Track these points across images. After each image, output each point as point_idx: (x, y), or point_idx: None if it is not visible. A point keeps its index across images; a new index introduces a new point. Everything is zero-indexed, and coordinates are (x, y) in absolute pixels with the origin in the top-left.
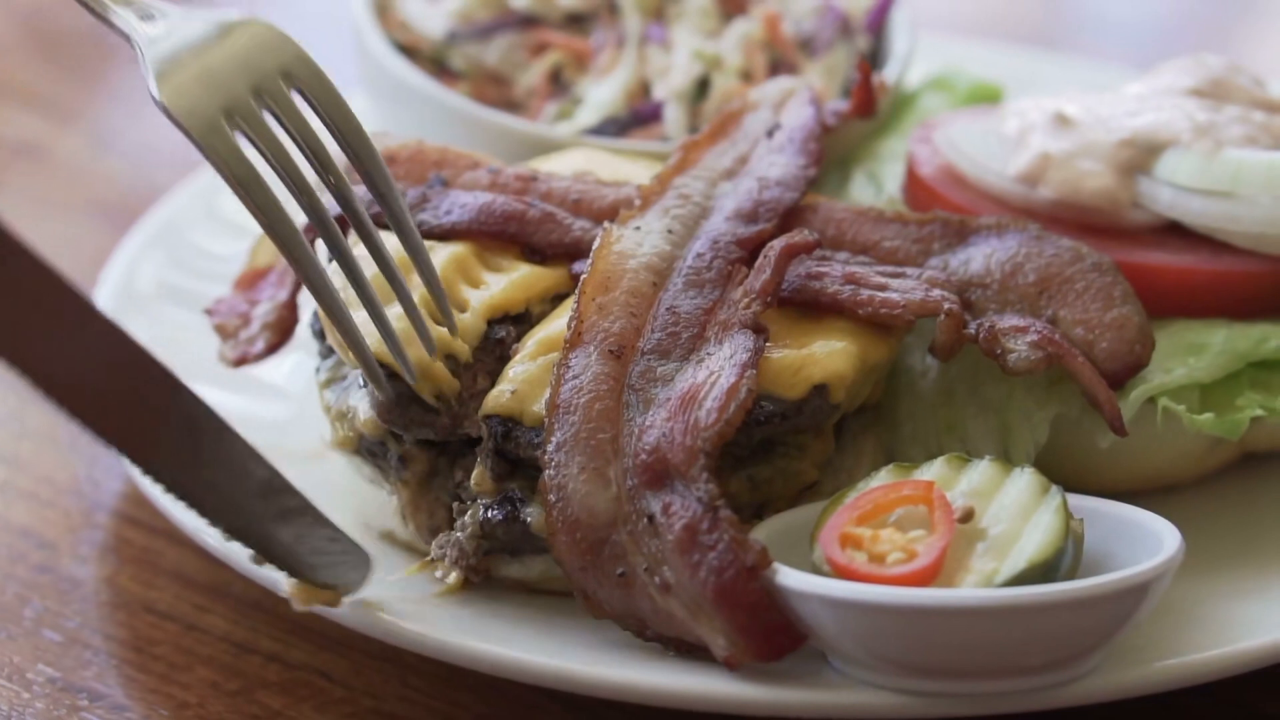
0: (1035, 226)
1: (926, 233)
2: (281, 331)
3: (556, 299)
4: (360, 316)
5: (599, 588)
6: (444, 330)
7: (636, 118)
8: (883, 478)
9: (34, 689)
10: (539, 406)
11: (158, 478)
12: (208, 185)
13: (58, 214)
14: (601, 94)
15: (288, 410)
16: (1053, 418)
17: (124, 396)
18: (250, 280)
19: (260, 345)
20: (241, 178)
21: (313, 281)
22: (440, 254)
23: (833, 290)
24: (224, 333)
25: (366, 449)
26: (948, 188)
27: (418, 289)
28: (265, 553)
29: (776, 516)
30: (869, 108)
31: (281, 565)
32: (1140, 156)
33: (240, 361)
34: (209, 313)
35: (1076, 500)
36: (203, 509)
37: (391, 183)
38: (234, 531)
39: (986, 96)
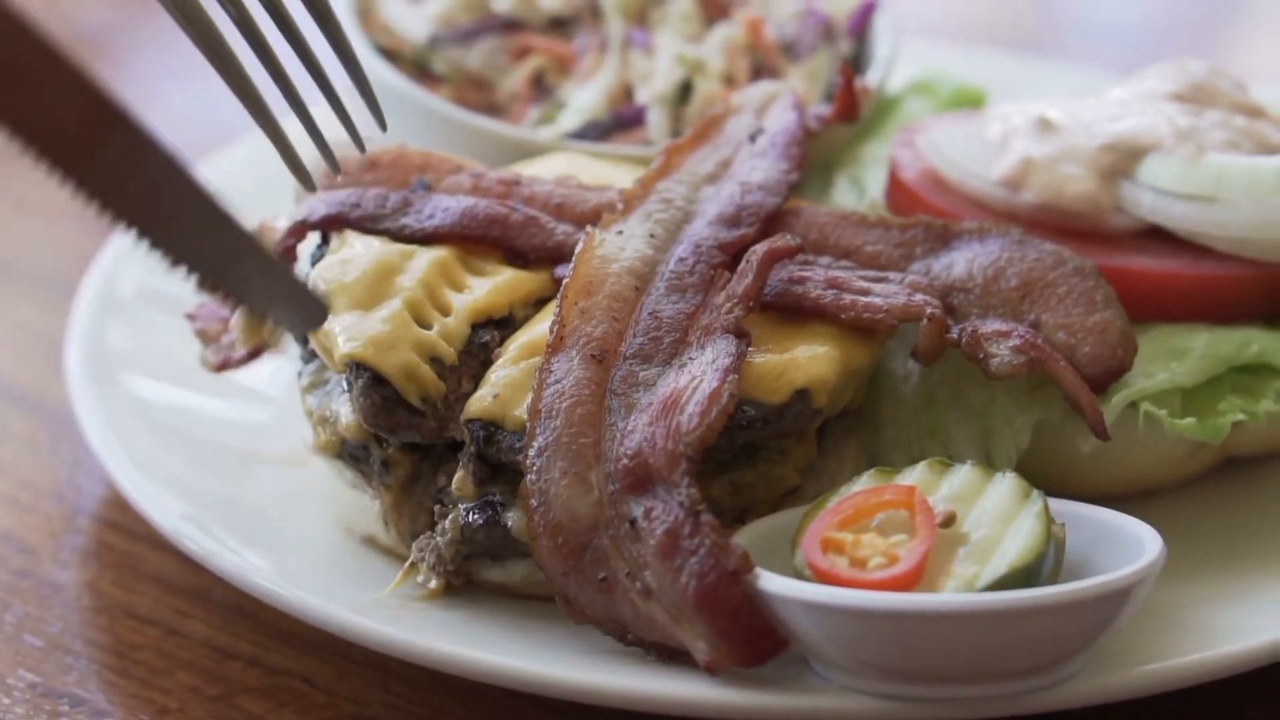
0: (1017, 231)
1: (909, 237)
2: None
3: (539, 303)
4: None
5: (580, 592)
6: (430, 335)
7: (619, 122)
8: (864, 482)
9: (14, 694)
10: (521, 411)
11: (91, 195)
12: None
13: (40, 216)
14: (584, 98)
15: (269, 415)
16: (1035, 422)
17: (52, 100)
18: None
19: (242, 350)
20: None
21: (238, 84)
22: (423, 258)
23: (815, 295)
24: (205, 338)
25: (349, 453)
26: (930, 192)
27: (404, 292)
28: (214, 282)
29: (758, 521)
30: (851, 112)
31: (230, 296)
32: (1122, 161)
33: (222, 366)
34: (191, 317)
35: (1058, 505)
36: (144, 233)
37: None
38: (179, 258)
39: (969, 101)
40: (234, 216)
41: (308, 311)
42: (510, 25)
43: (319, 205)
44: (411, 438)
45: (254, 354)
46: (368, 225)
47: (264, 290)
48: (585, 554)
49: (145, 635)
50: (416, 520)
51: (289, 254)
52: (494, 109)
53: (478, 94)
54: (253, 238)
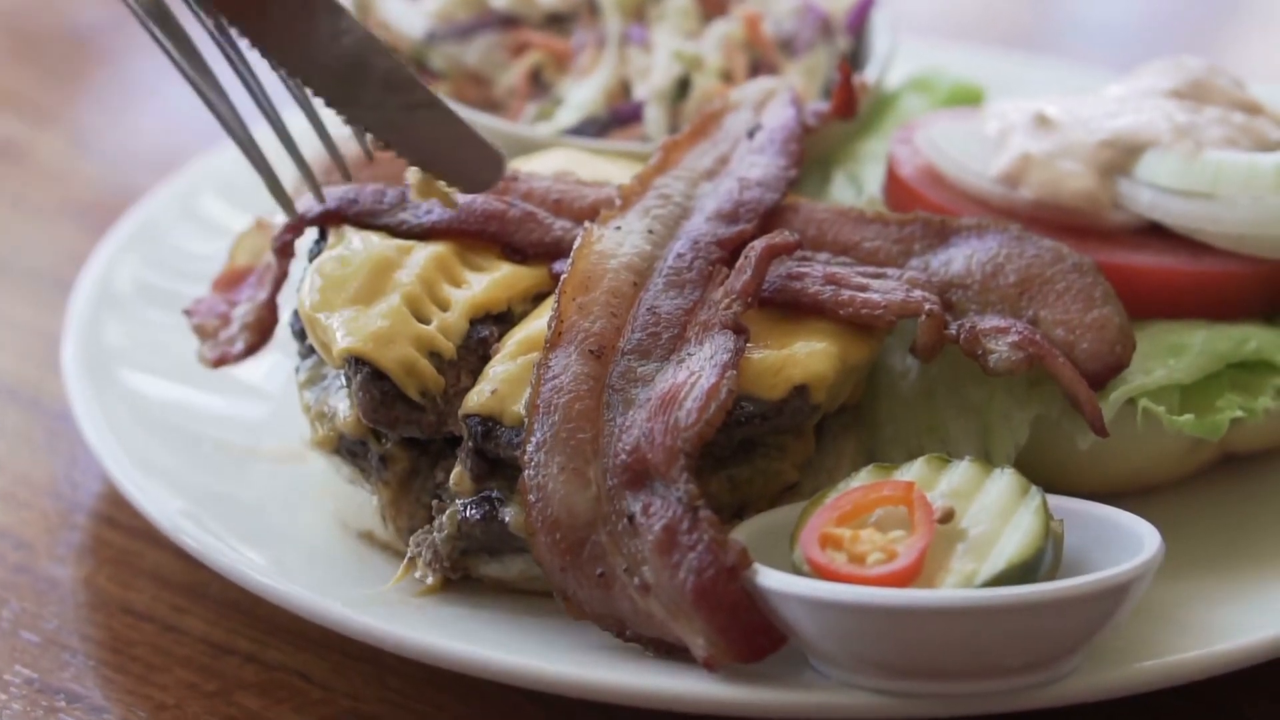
0: (1016, 227)
1: (907, 233)
2: (261, 332)
3: (538, 298)
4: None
5: (579, 588)
6: (429, 330)
7: (617, 118)
8: (863, 478)
9: (11, 690)
10: (519, 406)
11: (267, 50)
12: (186, 186)
13: (36, 215)
14: (582, 94)
15: (266, 411)
16: (1033, 418)
17: None
18: (229, 281)
19: (240, 346)
20: (147, 10)
21: (214, 107)
22: (421, 253)
23: (813, 291)
24: (203, 333)
25: (347, 449)
26: (928, 188)
27: (402, 287)
28: (389, 141)
29: (756, 517)
30: (850, 108)
31: (405, 154)
32: (1121, 157)
33: (220, 362)
34: (188, 313)
35: (1056, 501)
36: (320, 89)
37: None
38: (355, 115)
39: (967, 98)
40: (410, 71)
41: (484, 168)
42: (508, 21)
43: (315, 204)
44: (411, 432)
45: (251, 349)
46: (365, 221)
47: (438, 147)
48: (583, 550)
49: (142, 631)
50: (414, 516)
51: (285, 250)
52: (492, 105)
53: (476, 90)
54: (429, 91)
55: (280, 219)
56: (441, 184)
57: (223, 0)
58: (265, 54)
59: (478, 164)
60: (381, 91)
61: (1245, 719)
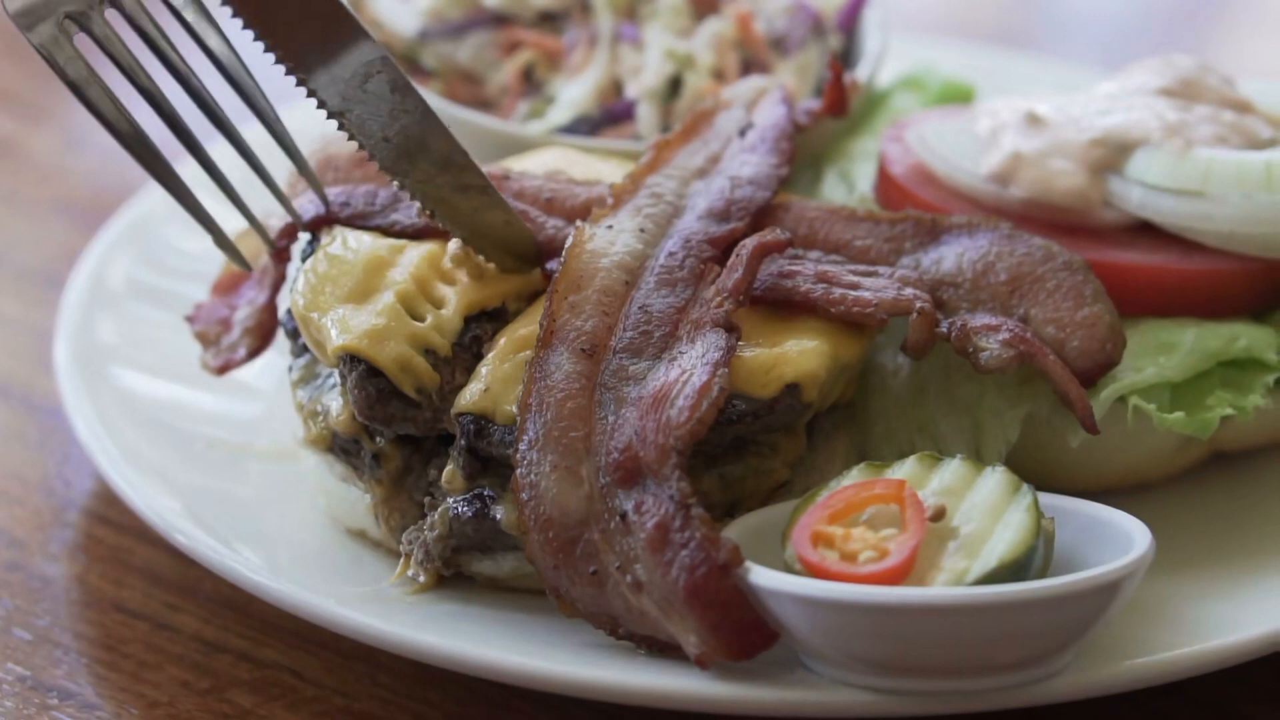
0: (1007, 225)
1: (898, 232)
2: (262, 335)
3: (532, 297)
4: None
5: (571, 586)
6: (423, 327)
7: (609, 116)
8: (854, 476)
9: (3, 688)
10: (511, 405)
11: (331, 114)
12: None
13: (29, 212)
14: (573, 93)
15: (259, 409)
16: (1024, 416)
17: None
18: (228, 284)
19: (242, 351)
20: (77, 80)
21: (167, 183)
22: (414, 252)
23: (805, 289)
24: (205, 340)
25: (340, 447)
26: (919, 187)
27: (396, 285)
28: (435, 212)
29: (748, 515)
30: (841, 107)
31: (448, 226)
32: (1111, 156)
33: (224, 369)
34: (189, 320)
35: (1047, 499)
36: (375, 156)
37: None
38: (406, 186)
39: (958, 96)
40: (469, 157)
41: (521, 255)
42: (500, 19)
43: (308, 205)
44: (405, 429)
45: (253, 354)
46: (358, 223)
47: (481, 226)
48: (576, 548)
49: (134, 629)
50: (407, 514)
51: (281, 255)
52: (484, 103)
53: (467, 88)
54: (483, 176)
55: (275, 222)
56: (481, 258)
57: (291, 53)
58: (330, 115)
59: (516, 249)
60: (435, 169)
61: (1240, 715)
